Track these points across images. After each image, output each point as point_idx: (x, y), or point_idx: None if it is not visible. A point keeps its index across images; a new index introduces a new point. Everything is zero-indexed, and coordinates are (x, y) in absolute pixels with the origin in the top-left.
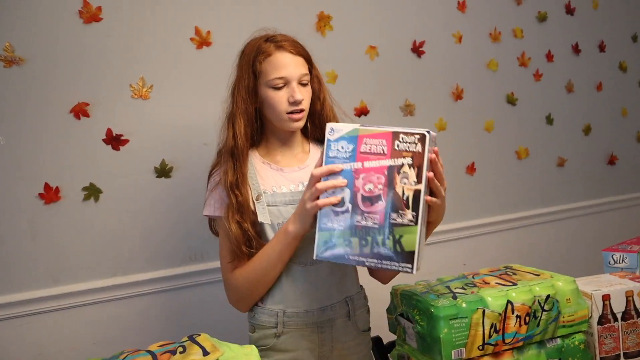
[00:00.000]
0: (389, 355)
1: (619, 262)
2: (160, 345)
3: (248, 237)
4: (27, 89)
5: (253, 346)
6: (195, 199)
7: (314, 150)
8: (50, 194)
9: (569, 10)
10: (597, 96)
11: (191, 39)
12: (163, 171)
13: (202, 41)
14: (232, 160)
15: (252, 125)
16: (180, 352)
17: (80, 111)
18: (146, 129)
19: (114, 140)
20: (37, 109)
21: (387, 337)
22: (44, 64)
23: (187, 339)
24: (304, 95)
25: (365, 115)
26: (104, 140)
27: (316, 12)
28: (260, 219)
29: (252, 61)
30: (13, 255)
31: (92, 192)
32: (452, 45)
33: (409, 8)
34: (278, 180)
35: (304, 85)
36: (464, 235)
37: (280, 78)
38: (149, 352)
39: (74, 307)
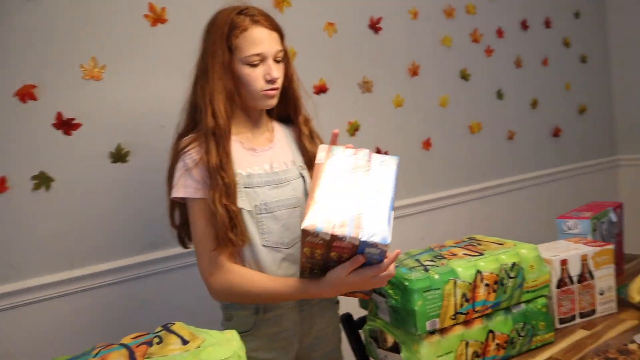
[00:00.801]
0: (359, 331)
1: (573, 229)
2: (134, 337)
3: (233, 222)
4: None
5: (234, 331)
6: (153, 184)
7: (278, 129)
8: None
9: None
10: (543, 71)
11: (145, 16)
12: (119, 156)
13: (157, 18)
14: (214, 139)
15: (233, 101)
16: (157, 343)
17: (26, 94)
18: (99, 111)
19: (65, 125)
20: None
21: (357, 313)
22: None
23: (161, 328)
24: (280, 73)
25: (324, 92)
26: (53, 124)
27: None
28: (239, 204)
29: (227, 35)
30: None
31: (43, 180)
32: (408, 21)
33: None
34: (251, 161)
35: (278, 62)
36: (421, 210)
37: (257, 55)
38: (123, 345)
39: (28, 304)
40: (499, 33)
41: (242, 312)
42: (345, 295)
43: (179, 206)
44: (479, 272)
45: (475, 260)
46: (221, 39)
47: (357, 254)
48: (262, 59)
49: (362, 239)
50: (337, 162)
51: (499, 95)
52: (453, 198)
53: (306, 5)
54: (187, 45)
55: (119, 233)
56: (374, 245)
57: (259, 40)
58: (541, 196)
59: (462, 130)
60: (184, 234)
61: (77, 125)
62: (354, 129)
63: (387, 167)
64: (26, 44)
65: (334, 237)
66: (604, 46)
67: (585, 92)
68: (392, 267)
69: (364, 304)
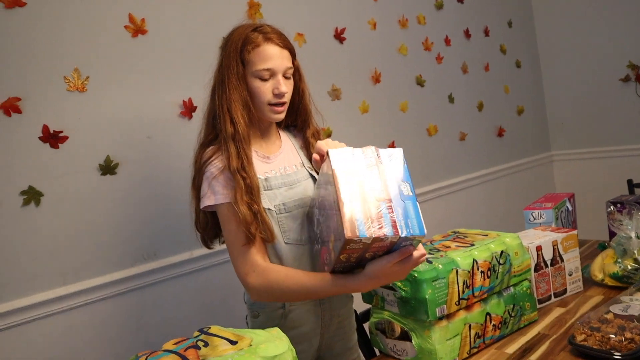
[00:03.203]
0: (363, 325)
1: (538, 218)
2: (175, 343)
3: (257, 220)
4: None
5: (277, 329)
6: (143, 195)
7: (284, 137)
8: None
9: None
10: (485, 76)
11: (126, 27)
12: (108, 168)
13: (137, 29)
14: (234, 144)
15: (249, 110)
16: (204, 346)
17: (10, 107)
18: (86, 123)
19: (52, 138)
20: None
21: (360, 307)
22: None
23: (199, 333)
24: (288, 88)
25: None
26: (40, 138)
27: (247, 0)
28: (263, 204)
29: (240, 49)
30: None
31: (32, 195)
32: (368, 31)
33: None
34: (266, 167)
35: (287, 78)
36: None
37: (267, 70)
38: (170, 351)
39: (22, 324)
40: (447, 41)
41: (269, 309)
42: None
43: (204, 212)
44: (475, 260)
45: (470, 250)
46: (235, 52)
47: (397, 248)
48: (272, 74)
49: (402, 235)
50: (350, 163)
51: (450, 99)
52: (419, 197)
53: (277, 16)
54: (168, 55)
55: (111, 245)
56: (412, 238)
57: (270, 56)
58: (493, 191)
59: (420, 133)
60: (207, 236)
61: (64, 138)
62: (326, 135)
63: (396, 159)
64: (8, 56)
65: (376, 239)
66: (535, 51)
67: (521, 94)
68: (423, 249)
69: (367, 298)
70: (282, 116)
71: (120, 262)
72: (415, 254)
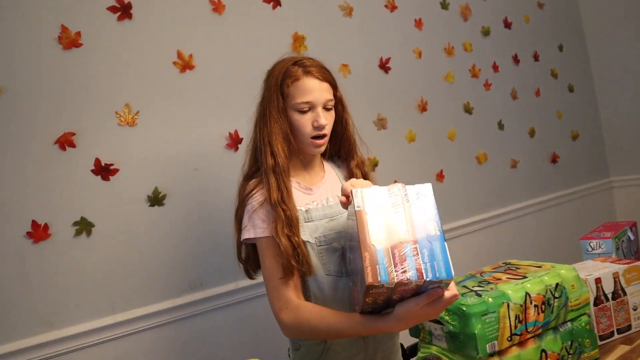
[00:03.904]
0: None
1: (596, 249)
2: None
3: (297, 252)
4: (7, 121)
5: None
6: (190, 226)
7: (328, 167)
8: (38, 232)
9: (507, 25)
10: (536, 101)
11: (174, 63)
12: (156, 199)
13: (185, 65)
14: (274, 176)
15: (289, 142)
16: None
17: (65, 141)
18: (135, 156)
19: (103, 170)
20: (20, 141)
21: (407, 341)
22: (24, 93)
23: None
24: (328, 120)
25: None
26: (92, 170)
27: (291, 33)
28: (303, 237)
29: (280, 83)
30: (3, 300)
31: (84, 226)
32: (413, 60)
33: (374, 27)
34: (308, 198)
35: (328, 110)
36: None
37: (306, 102)
38: None
39: (72, 352)
40: (495, 68)
41: (310, 341)
42: None
43: (245, 243)
44: (527, 294)
45: (522, 282)
46: (276, 86)
47: (425, 290)
48: (311, 107)
49: (427, 279)
50: (376, 203)
51: (500, 126)
52: (469, 226)
53: (321, 48)
54: (215, 88)
55: (158, 275)
56: (438, 282)
57: (309, 89)
58: (546, 220)
59: (470, 161)
60: (249, 267)
61: (115, 171)
62: (373, 165)
63: (424, 197)
64: (65, 94)
65: (399, 284)
66: (588, 75)
67: (575, 118)
68: (456, 289)
69: (414, 333)
70: (322, 149)
71: (167, 292)
72: (447, 295)
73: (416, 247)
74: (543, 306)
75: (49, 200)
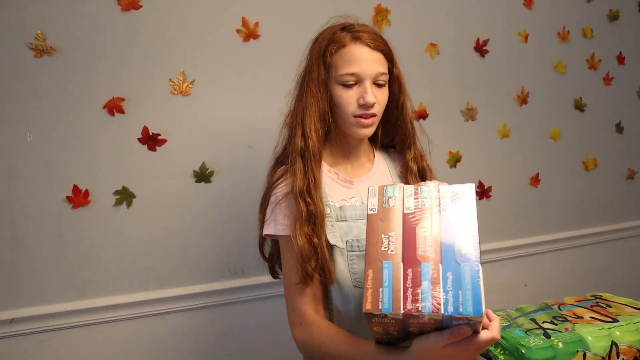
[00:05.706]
0: None
1: None
2: None
3: (317, 256)
4: (57, 81)
5: None
6: (237, 207)
7: (378, 159)
8: (79, 197)
9: None
10: None
11: (237, 31)
12: (203, 175)
13: (250, 33)
14: (302, 162)
15: (326, 122)
16: None
17: (114, 107)
18: (185, 128)
19: (150, 140)
20: (68, 103)
21: None
22: (77, 54)
23: None
24: (378, 98)
25: (424, 119)
26: (139, 139)
27: (374, 5)
28: (330, 240)
29: (324, 51)
30: (38, 262)
31: (125, 196)
32: (517, 44)
33: (473, 4)
34: (346, 193)
35: (379, 86)
36: (526, 253)
37: (352, 74)
38: None
39: (100, 324)
40: (620, 59)
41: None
42: None
43: (270, 242)
44: (614, 344)
45: (609, 328)
46: (319, 55)
47: (448, 326)
48: (358, 80)
49: (444, 314)
50: (395, 206)
51: (619, 128)
52: (561, 242)
53: (407, 24)
54: (281, 62)
55: (196, 257)
56: (464, 318)
57: (356, 58)
58: None
59: (575, 166)
60: (274, 265)
61: (163, 141)
62: (454, 160)
63: (462, 202)
64: (118, 57)
65: (408, 316)
66: None
67: None
68: (497, 329)
69: None
70: (369, 131)
71: (205, 275)
72: (483, 336)
73: (438, 269)
74: None
75: (92, 166)
